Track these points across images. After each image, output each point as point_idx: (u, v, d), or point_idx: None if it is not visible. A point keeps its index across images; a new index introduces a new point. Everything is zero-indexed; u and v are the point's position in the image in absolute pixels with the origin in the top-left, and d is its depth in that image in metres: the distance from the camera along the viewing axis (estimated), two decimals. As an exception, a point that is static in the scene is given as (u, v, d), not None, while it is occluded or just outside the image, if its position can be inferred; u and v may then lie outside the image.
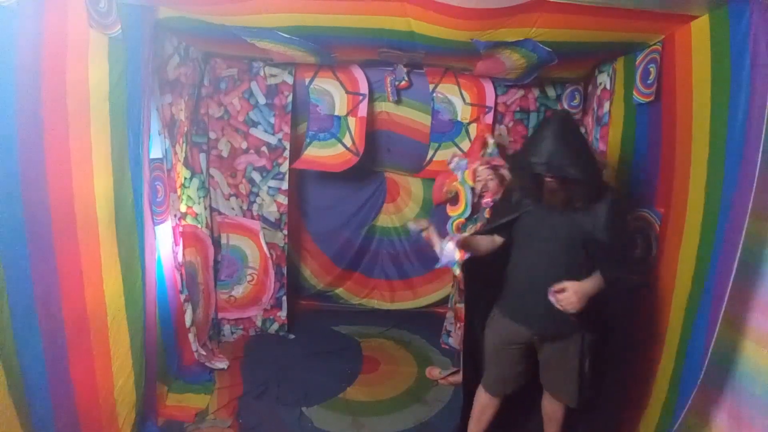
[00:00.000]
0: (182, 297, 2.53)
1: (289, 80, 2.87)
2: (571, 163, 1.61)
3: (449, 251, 1.73)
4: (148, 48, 2.04)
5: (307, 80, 2.88)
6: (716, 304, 1.44)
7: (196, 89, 2.73)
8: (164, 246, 2.38)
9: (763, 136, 1.33)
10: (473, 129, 2.90)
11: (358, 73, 2.83)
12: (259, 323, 3.18)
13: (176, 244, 2.50)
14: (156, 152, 2.28)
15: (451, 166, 2.73)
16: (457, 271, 2.04)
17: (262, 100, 2.91)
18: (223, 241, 3.06)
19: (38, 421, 1.53)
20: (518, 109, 2.91)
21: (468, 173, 2.65)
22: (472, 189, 2.64)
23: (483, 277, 1.93)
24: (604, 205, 1.67)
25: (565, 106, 2.87)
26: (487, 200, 2.58)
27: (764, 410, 1.35)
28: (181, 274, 2.51)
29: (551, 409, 1.97)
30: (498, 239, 1.87)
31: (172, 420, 2.26)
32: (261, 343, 3.07)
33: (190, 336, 2.62)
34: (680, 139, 1.81)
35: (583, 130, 2.81)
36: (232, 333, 3.16)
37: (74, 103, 1.62)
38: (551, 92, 2.88)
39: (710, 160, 1.62)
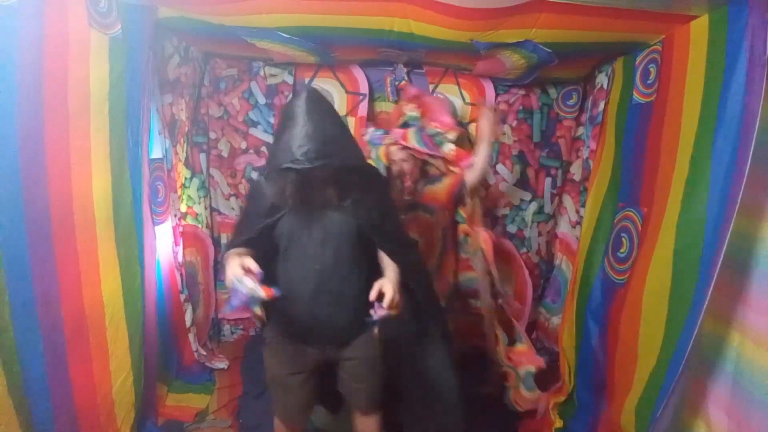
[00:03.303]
0: (182, 297, 2.53)
1: (289, 80, 2.87)
2: (335, 151, 1.39)
3: (249, 287, 1.29)
4: (148, 48, 2.04)
5: (307, 80, 2.87)
6: (700, 301, 1.45)
7: (197, 89, 2.73)
8: (164, 246, 2.38)
9: (755, 133, 1.33)
10: (472, 129, 2.90)
11: (359, 73, 2.83)
12: (258, 323, 3.17)
13: (176, 244, 2.50)
14: (156, 152, 2.28)
15: (366, 138, 2.38)
16: (258, 312, 1.46)
17: (261, 100, 2.90)
18: (223, 241, 3.06)
19: (38, 422, 1.53)
20: (521, 108, 2.90)
21: (383, 150, 2.33)
22: (388, 168, 2.32)
23: None
24: (375, 190, 1.54)
25: (562, 106, 2.87)
26: (408, 184, 2.24)
27: (764, 410, 1.35)
28: (181, 274, 2.51)
29: (359, 424, 1.75)
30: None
31: (172, 420, 2.26)
32: (261, 343, 3.05)
33: (190, 336, 2.62)
34: (667, 139, 1.81)
35: (582, 130, 2.82)
36: (232, 333, 3.16)
37: (75, 102, 1.62)
38: (552, 92, 2.88)
39: (694, 159, 1.62)
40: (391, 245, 1.55)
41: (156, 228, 2.24)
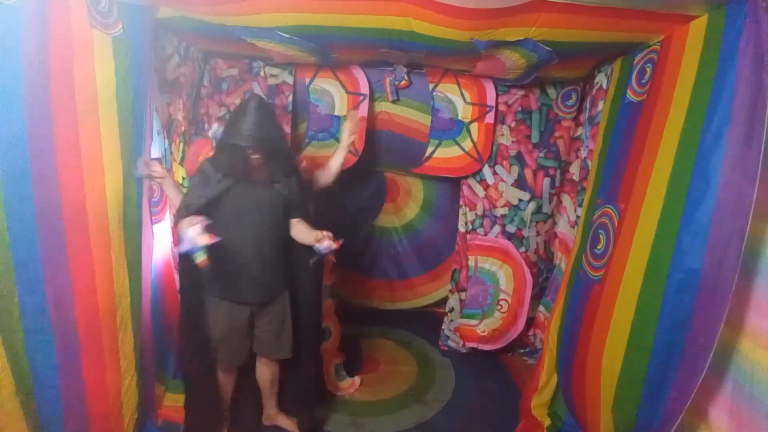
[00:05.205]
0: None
1: (290, 80, 2.86)
2: (276, 138, 1.93)
3: (192, 235, 1.64)
4: (148, 48, 2.04)
5: (307, 80, 2.87)
6: (718, 307, 1.43)
7: (195, 89, 2.73)
8: (160, 245, 2.38)
9: (764, 135, 1.33)
10: (474, 128, 2.90)
11: (359, 73, 2.83)
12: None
13: (174, 243, 2.49)
14: (154, 152, 2.28)
15: (210, 133, 2.26)
16: (201, 258, 1.68)
17: (262, 100, 2.90)
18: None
19: (47, 424, 1.52)
20: (520, 108, 2.91)
21: None
22: None
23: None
24: (295, 175, 2.04)
25: (561, 106, 2.88)
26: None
27: (764, 411, 1.36)
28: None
29: (268, 372, 2.17)
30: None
31: (170, 421, 2.25)
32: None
33: (190, 336, 2.61)
34: (652, 137, 1.81)
35: (581, 130, 2.83)
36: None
37: (83, 102, 1.61)
38: (552, 92, 2.88)
39: (677, 157, 1.62)
40: (301, 215, 2.06)
41: (153, 227, 2.24)
